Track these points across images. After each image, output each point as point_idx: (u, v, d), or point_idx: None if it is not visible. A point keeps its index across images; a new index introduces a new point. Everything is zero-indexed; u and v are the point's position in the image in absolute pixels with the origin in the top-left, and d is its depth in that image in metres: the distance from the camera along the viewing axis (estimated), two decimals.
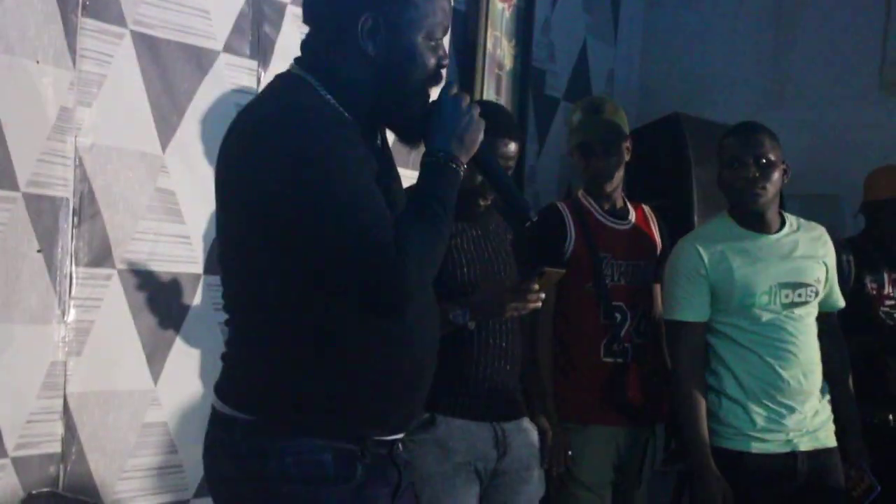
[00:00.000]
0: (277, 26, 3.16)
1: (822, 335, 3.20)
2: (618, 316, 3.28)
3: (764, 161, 3.09)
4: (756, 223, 3.15)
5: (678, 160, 4.15)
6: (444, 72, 2.04)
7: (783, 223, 3.20)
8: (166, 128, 2.85)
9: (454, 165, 1.97)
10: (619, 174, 3.39)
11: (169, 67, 2.84)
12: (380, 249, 1.83)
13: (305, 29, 3.15)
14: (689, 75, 4.99)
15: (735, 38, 4.94)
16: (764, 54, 4.91)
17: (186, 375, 2.94)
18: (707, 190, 4.07)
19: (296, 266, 1.88)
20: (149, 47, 2.79)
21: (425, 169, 1.98)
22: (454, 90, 2.03)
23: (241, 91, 3.03)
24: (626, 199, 3.47)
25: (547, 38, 4.57)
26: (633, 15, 5.16)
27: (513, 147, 2.89)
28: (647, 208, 3.53)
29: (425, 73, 2.00)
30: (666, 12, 5.13)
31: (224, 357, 2.03)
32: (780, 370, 3.09)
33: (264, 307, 1.92)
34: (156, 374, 2.86)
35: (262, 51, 3.10)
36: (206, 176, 2.91)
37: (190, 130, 2.90)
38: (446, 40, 2.09)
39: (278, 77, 2.03)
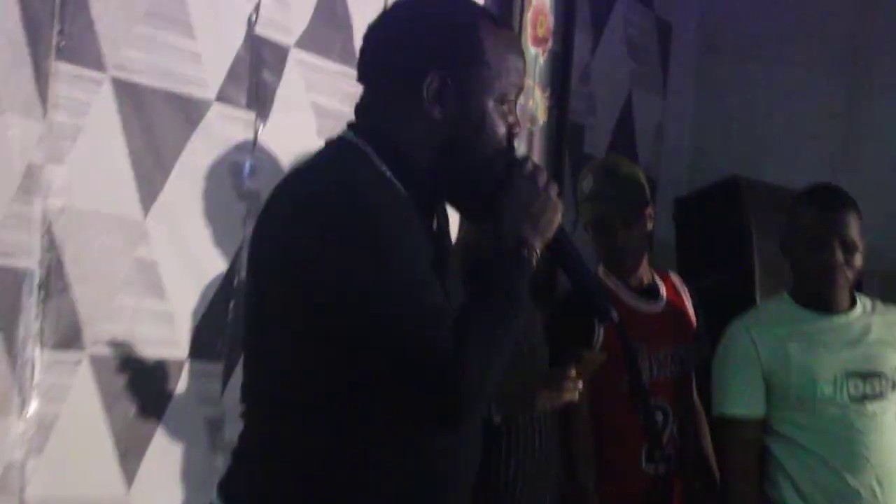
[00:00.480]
0: (279, 73, 3.16)
1: None
2: (660, 416, 3.23)
3: (850, 243, 3.04)
4: (821, 302, 3.10)
5: (737, 230, 4.15)
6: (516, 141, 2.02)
7: (853, 303, 3.14)
8: (149, 189, 2.83)
9: (526, 253, 1.93)
10: (645, 245, 3.36)
11: (154, 119, 2.83)
12: (437, 352, 1.79)
13: (311, 76, 3.23)
14: (749, 132, 4.98)
15: (803, 90, 4.94)
16: (836, 108, 4.90)
17: (166, 479, 2.89)
18: (771, 264, 4.06)
19: (337, 363, 1.85)
20: (131, 96, 2.77)
21: (493, 256, 1.94)
22: (530, 165, 1.99)
23: (236, 146, 3.02)
24: (653, 271, 3.44)
25: (586, 88, 4.57)
26: (686, 63, 5.18)
27: None
28: (675, 277, 3.50)
29: (496, 143, 1.97)
30: (723, 60, 5.13)
31: (235, 453, 2.00)
32: (849, 477, 3.01)
33: (292, 403, 1.89)
34: (129, 477, 2.80)
35: (260, 101, 3.10)
36: (193, 245, 2.92)
37: (176, 192, 2.88)
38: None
39: (328, 144, 2.01)
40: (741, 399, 3.08)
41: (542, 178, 1.98)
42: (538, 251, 1.96)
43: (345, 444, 1.88)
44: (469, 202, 2.02)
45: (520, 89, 2.01)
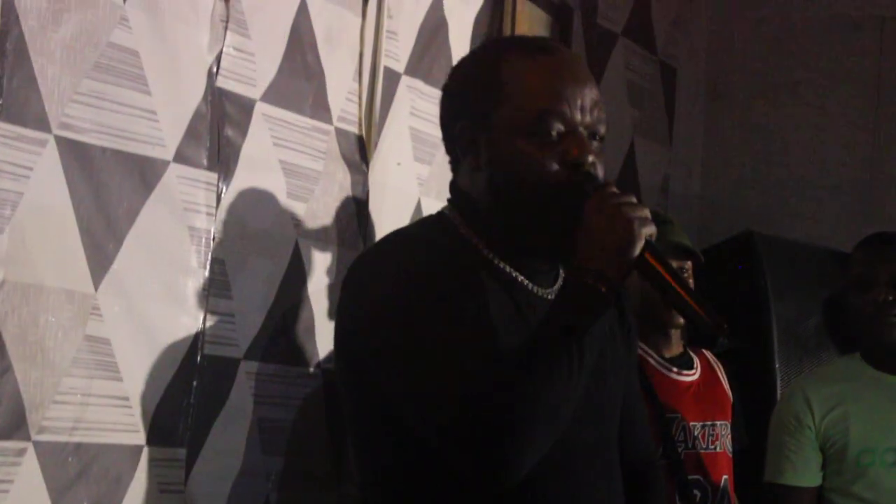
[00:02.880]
0: (243, 129, 3.14)
1: None
2: (697, 494, 3.22)
3: None
4: (892, 363, 3.08)
5: (753, 290, 4.15)
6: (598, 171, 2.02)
7: None
8: (100, 259, 2.80)
9: (601, 287, 1.90)
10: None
11: (104, 182, 2.80)
12: (476, 406, 1.82)
13: (279, 132, 3.21)
14: (764, 184, 4.97)
15: (823, 137, 4.93)
16: (859, 156, 4.88)
17: None
18: (790, 327, 4.06)
19: (386, 431, 2.00)
20: (78, 157, 2.75)
21: (561, 290, 1.96)
22: (608, 189, 1.95)
23: (196, 211, 2.99)
24: (685, 345, 3.47)
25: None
26: (693, 110, 5.19)
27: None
28: (710, 355, 3.52)
29: (543, 178, 1.97)
30: (733, 105, 5.14)
31: None
32: None
33: (365, 475, 2.09)
34: None
35: (223, 160, 3.07)
36: (149, 320, 2.89)
37: (131, 262, 2.85)
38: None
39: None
40: (792, 467, 3.10)
41: (618, 199, 1.93)
42: (619, 282, 1.92)
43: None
44: (543, 247, 2.04)
45: (561, 112, 1.98)
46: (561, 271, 2.13)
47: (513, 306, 2.00)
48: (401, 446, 1.99)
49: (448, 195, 2.16)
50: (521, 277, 2.05)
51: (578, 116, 2.00)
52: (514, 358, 1.87)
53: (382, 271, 1.98)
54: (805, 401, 3.08)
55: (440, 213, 2.13)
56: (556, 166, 1.97)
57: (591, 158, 1.99)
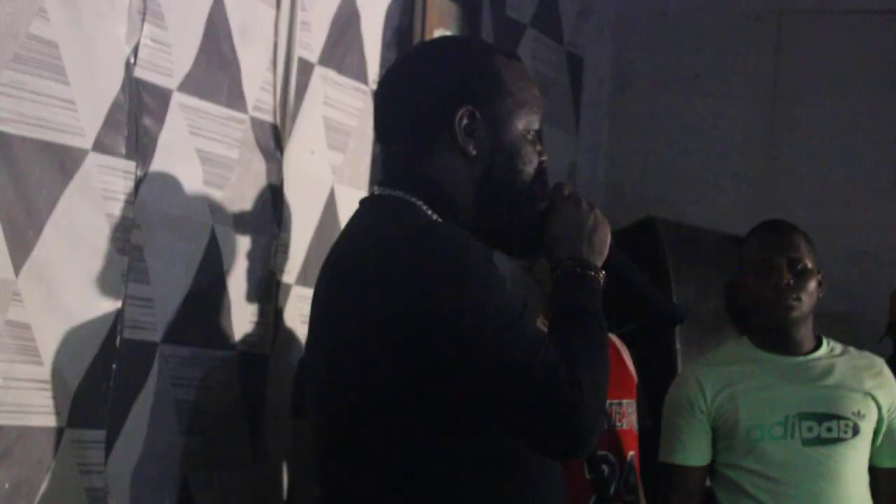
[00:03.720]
0: (161, 118, 3.15)
1: (882, 499, 3.15)
2: (605, 469, 3.27)
3: (800, 266, 3.10)
4: (781, 343, 3.15)
5: (655, 274, 4.17)
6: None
7: (819, 345, 3.20)
8: (20, 245, 2.79)
9: (593, 273, 2.04)
10: None
11: (24, 171, 2.80)
12: (552, 377, 1.87)
13: (195, 121, 3.23)
14: (665, 170, 5.05)
15: (721, 125, 5.02)
16: (756, 144, 4.98)
17: None
18: (691, 310, 4.08)
19: (437, 405, 1.94)
20: None
21: (562, 284, 2.03)
22: (567, 189, 2.12)
23: (115, 198, 3.01)
24: None
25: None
26: (598, 98, 5.24)
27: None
28: (615, 338, 3.54)
29: (532, 171, 2.10)
30: (637, 95, 5.21)
31: None
32: None
33: (381, 456, 1.98)
34: None
35: (141, 149, 3.08)
36: (70, 306, 2.90)
37: (50, 249, 2.85)
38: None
39: (367, 202, 2.13)
40: (683, 447, 3.14)
41: (584, 201, 2.11)
42: (602, 271, 2.06)
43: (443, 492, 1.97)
44: (514, 237, 2.12)
45: (540, 115, 2.13)
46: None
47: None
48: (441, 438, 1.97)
49: (369, 184, 2.19)
50: None
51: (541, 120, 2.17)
52: (567, 336, 1.95)
53: (445, 242, 1.95)
54: (697, 384, 3.13)
55: (402, 200, 2.08)
56: (535, 158, 2.12)
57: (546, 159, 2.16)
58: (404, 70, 2.20)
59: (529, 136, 2.10)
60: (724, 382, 3.11)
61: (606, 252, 2.09)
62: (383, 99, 2.18)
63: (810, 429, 3.09)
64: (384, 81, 2.21)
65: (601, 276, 2.06)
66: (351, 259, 2.02)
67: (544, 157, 2.14)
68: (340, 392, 2.02)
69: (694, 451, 3.12)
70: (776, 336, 3.14)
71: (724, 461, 3.12)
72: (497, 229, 2.11)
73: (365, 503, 2.01)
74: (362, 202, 2.15)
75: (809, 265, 3.13)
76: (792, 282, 3.08)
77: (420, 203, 2.07)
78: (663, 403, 3.30)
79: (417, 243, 1.96)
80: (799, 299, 3.09)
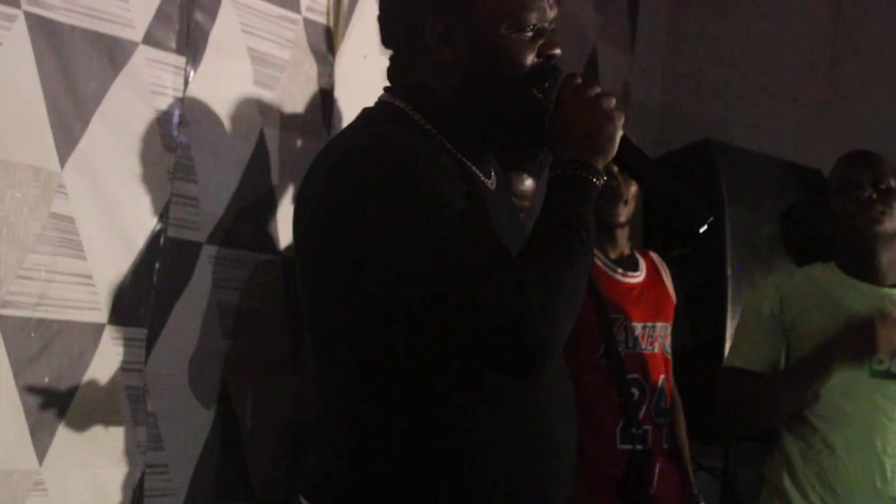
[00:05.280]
0: (212, 14, 3.12)
1: None
2: (635, 392, 3.26)
3: (884, 185, 3.10)
4: (866, 270, 3.12)
5: (709, 197, 4.14)
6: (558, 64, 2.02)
7: None
8: (67, 137, 2.79)
9: (588, 175, 1.94)
10: (629, 213, 3.39)
11: (73, 61, 2.79)
12: (498, 288, 1.80)
13: (248, 19, 3.19)
14: (722, 92, 4.98)
15: (782, 47, 4.93)
16: (817, 68, 4.89)
17: (82, 455, 2.85)
18: (744, 235, 4.06)
19: (394, 319, 1.91)
20: (48, 34, 2.73)
21: (552, 184, 1.96)
22: (574, 80, 2.00)
23: (163, 94, 2.99)
24: (632, 246, 3.49)
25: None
26: (655, 16, 5.17)
27: (529, 184, 2.87)
28: (655, 256, 3.54)
29: (521, 72, 1.99)
30: (695, 14, 5.12)
31: (316, 451, 2.05)
32: (849, 460, 3.01)
33: (352, 372, 1.96)
34: (41, 451, 2.77)
35: (192, 44, 3.06)
36: (115, 200, 2.89)
37: (97, 142, 2.85)
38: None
39: (364, 108, 2.10)
40: (751, 352, 3.11)
41: (591, 90, 1.98)
42: (603, 172, 1.95)
43: (430, 413, 1.93)
44: (513, 142, 2.06)
45: (542, 10, 2.02)
46: (494, 168, 2.15)
47: (480, 197, 2.01)
48: (400, 350, 1.93)
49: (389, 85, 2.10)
50: (474, 168, 2.07)
51: (548, 13, 2.04)
52: (538, 242, 1.89)
53: (389, 161, 1.91)
54: (777, 294, 3.12)
55: (387, 104, 2.07)
56: (532, 59, 2.01)
57: (559, 52, 2.04)
58: None
59: (527, 34, 2.00)
60: (804, 298, 3.10)
61: (613, 149, 1.96)
62: (379, 4, 2.13)
63: (881, 361, 3.04)
64: None
65: (600, 180, 1.94)
66: (316, 173, 2.01)
67: (553, 51, 2.02)
68: (313, 313, 2.03)
69: (761, 357, 3.08)
70: (862, 260, 3.11)
71: None
72: (488, 131, 2.04)
73: (353, 425, 1.99)
74: (362, 110, 2.12)
75: (894, 185, 3.11)
76: (875, 196, 3.07)
77: (410, 109, 2.04)
78: (713, 325, 3.27)
79: (370, 155, 1.92)
80: (884, 213, 3.08)
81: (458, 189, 1.91)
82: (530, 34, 2.01)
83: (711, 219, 1.99)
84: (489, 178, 2.10)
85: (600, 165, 1.95)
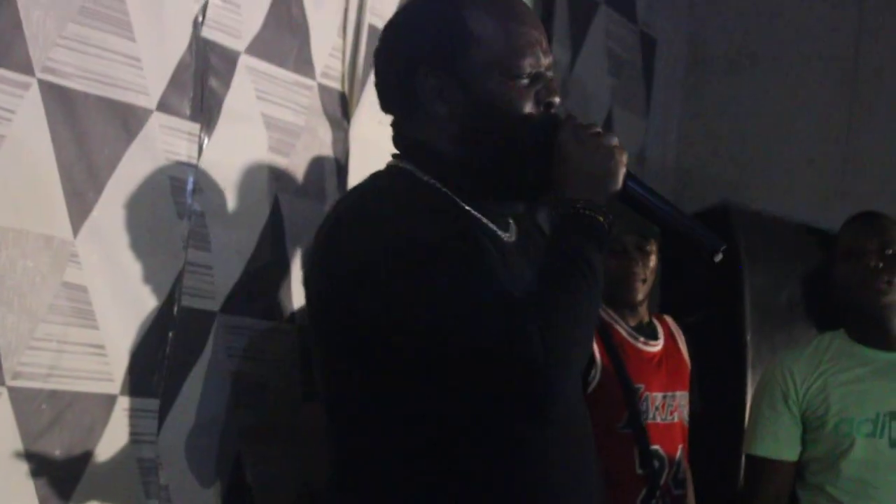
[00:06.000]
0: (227, 81, 3.12)
1: None
2: (656, 463, 3.24)
3: (891, 252, 3.06)
4: (875, 337, 3.09)
5: (727, 261, 4.12)
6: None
7: None
8: (80, 205, 2.78)
9: (591, 212, 1.93)
10: (647, 290, 3.38)
11: (86, 128, 2.78)
12: (499, 332, 1.79)
13: (262, 85, 3.18)
14: (739, 156, 4.97)
15: (799, 110, 4.93)
16: (833, 131, 4.89)
17: None
18: (763, 298, 4.06)
19: (397, 372, 1.91)
20: (61, 102, 2.72)
21: (556, 225, 1.95)
22: (573, 122, 2.00)
23: (178, 161, 2.97)
24: (650, 312, 3.49)
25: (563, 105, 4.53)
26: (671, 81, 5.18)
27: None
28: (671, 321, 3.55)
29: (521, 117, 1.99)
30: (711, 78, 5.13)
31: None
32: None
33: (360, 424, 1.97)
34: None
35: (206, 111, 3.05)
36: (128, 269, 2.87)
37: (110, 210, 2.84)
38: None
39: (371, 173, 2.11)
40: (771, 439, 3.09)
41: (591, 130, 1.98)
42: (605, 208, 1.94)
43: (425, 457, 1.93)
44: (522, 189, 2.04)
45: (535, 56, 2.01)
46: (511, 219, 2.13)
47: (491, 247, 2.00)
48: (409, 407, 1.92)
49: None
50: (485, 220, 2.05)
51: (543, 59, 2.03)
52: (533, 285, 1.87)
53: (376, 217, 1.92)
54: (789, 375, 3.09)
55: (392, 167, 2.09)
56: (531, 107, 2.00)
57: (559, 99, 2.05)
58: (385, 32, 2.14)
59: (521, 82, 2.00)
60: (816, 373, 3.06)
61: (616, 185, 1.95)
62: (374, 64, 2.15)
63: None
64: (377, 47, 2.16)
65: (605, 217, 1.93)
66: (316, 236, 2.06)
67: (552, 98, 2.02)
68: (321, 372, 2.05)
69: (785, 444, 3.06)
70: (871, 328, 3.10)
71: (811, 459, 3.05)
72: (492, 182, 2.03)
73: (360, 478, 1.99)
74: (369, 175, 2.13)
75: None
76: (881, 265, 3.03)
77: (411, 167, 2.04)
78: (730, 392, 3.25)
79: (359, 212, 1.95)
80: (890, 283, 3.06)
81: (455, 236, 1.90)
82: (526, 81, 2.00)
83: (725, 247, 1.98)
84: (506, 230, 2.08)
85: (604, 202, 1.94)
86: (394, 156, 2.11)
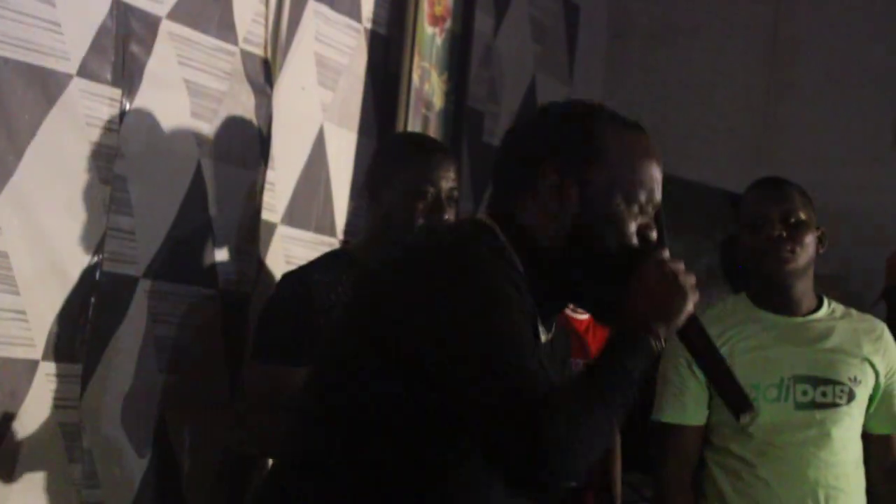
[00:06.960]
0: (148, 46, 3.10)
1: (873, 466, 3.13)
2: None
3: (793, 220, 3.08)
4: (779, 303, 3.12)
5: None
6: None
7: (819, 307, 3.17)
8: (0, 172, 2.75)
9: (648, 337, 2.00)
10: None
11: (6, 94, 2.76)
12: (528, 410, 1.88)
13: (184, 51, 3.17)
14: (660, 125, 4.99)
15: (718, 80, 4.98)
16: (753, 100, 4.95)
17: (15, 491, 2.81)
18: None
19: (427, 403, 1.98)
20: None
21: (612, 336, 2.03)
22: (660, 252, 2.09)
23: (99, 126, 2.96)
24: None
25: (487, 72, 4.57)
26: (594, 48, 5.21)
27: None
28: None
29: (627, 240, 2.08)
30: (633, 46, 5.17)
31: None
32: (781, 492, 3.03)
33: (371, 443, 2.01)
34: None
35: (127, 76, 3.04)
36: (50, 235, 2.86)
37: (31, 175, 2.81)
38: None
39: (464, 220, 2.25)
40: (677, 405, 3.10)
41: (675, 266, 2.06)
42: (662, 337, 2.02)
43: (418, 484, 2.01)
44: (595, 300, 2.13)
45: (653, 200, 2.12)
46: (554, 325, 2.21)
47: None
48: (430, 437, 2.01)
49: (486, 216, 2.18)
50: (538, 317, 2.13)
51: (656, 195, 2.15)
52: (576, 380, 1.99)
53: (484, 267, 2.00)
54: None
55: (493, 236, 2.13)
56: (632, 229, 2.09)
57: (655, 236, 2.15)
58: (518, 121, 2.30)
59: (633, 209, 2.09)
60: (720, 340, 3.06)
61: (678, 323, 2.04)
62: (500, 143, 2.23)
63: (805, 392, 3.06)
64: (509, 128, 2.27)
65: (657, 344, 2.02)
66: (395, 262, 2.11)
67: (650, 232, 2.12)
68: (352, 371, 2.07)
69: (691, 410, 3.08)
70: (774, 294, 3.11)
71: (717, 420, 3.08)
72: (574, 287, 2.12)
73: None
74: (466, 222, 2.26)
75: (804, 217, 3.09)
76: (785, 234, 3.05)
77: (507, 243, 2.11)
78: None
79: (452, 253, 2.03)
80: (793, 252, 3.06)
81: (526, 318, 2.00)
82: (637, 210, 2.10)
83: (754, 412, 2.12)
84: (548, 331, 2.16)
85: (662, 332, 2.02)
86: (489, 213, 2.17)
